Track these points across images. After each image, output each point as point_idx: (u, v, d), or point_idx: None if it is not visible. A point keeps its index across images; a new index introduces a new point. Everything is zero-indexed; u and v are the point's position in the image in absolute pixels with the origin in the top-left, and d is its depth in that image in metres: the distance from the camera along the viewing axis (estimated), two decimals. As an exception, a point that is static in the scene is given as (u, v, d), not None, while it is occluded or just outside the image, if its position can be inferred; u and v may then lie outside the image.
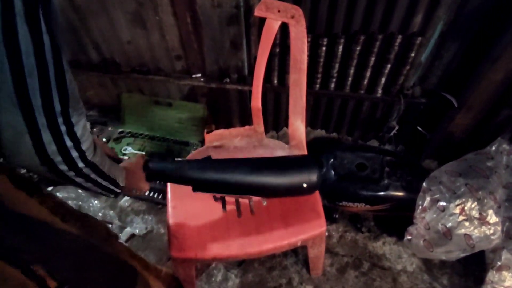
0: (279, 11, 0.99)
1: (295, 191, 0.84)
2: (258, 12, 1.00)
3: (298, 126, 1.07)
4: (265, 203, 1.01)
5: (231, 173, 0.79)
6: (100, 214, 1.48)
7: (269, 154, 1.09)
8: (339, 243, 1.35)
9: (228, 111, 1.64)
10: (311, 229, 0.93)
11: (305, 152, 1.08)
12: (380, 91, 1.34)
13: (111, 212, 1.49)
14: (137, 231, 1.44)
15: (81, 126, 0.48)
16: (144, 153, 1.67)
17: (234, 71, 1.45)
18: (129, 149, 1.69)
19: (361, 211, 1.31)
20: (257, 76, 1.06)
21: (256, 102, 1.09)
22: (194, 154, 1.15)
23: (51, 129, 0.43)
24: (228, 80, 1.47)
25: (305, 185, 0.81)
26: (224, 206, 1.00)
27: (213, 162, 0.86)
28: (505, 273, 1.12)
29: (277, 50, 1.30)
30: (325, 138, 1.62)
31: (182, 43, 1.42)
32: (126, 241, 1.40)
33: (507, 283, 1.12)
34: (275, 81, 1.43)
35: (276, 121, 1.64)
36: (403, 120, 1.42)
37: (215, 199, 1.00)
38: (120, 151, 1.68)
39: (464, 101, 1.20)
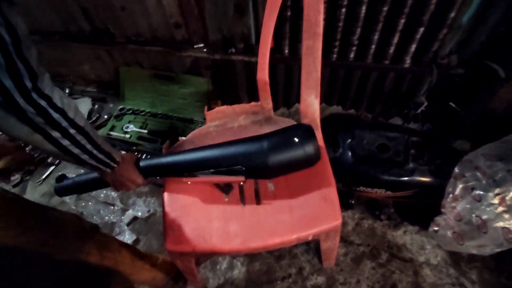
0: (290, -39, 0.82)
1: (294, 165, 0.80)
2: (264, -36, 0.83)
3: (311, 101, 0.92)
4: (272, 187, 0.89)
5: (219, 158, 0.79)
6: (102, 195, 1.42)
7: (278, 134, 0.95)
8: (355, 231, 1.24)
9: (234, 85, 1.49)
10: (324, 222, 0.81)
11: (319, 132, 0.94)
12: (408, 60, 1.16)
13: (113, 193, 1.42)
14: (140, 214, 1.37)
15: (58, 97, 0.51)
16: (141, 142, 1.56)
17: (239, 40, 1.28)
18: (131, 127, 1.59)
19: (381, 197, 1.17)
20: (263, 43, 0.90)
21: (263, 74, 0.93)
22: (195, 134, 1.03)
23: (31, 104, 0.47)
24: (233, 50, 1.31)
25: (302, 157, 0.77)
26: (226, 193, 0.89)
27: (200, 150, 0.83)
28: (547, 271, 0.99)
29: (288, 13, 1.12)
30: (342, 115, 1.46)
31: (181, 9, 1.25)
32: (128, 224, 1.33)
33: (548, 282, 0.99)
34: (286, 51, 1.26)
35: (287, 96, 1.48)
36: (433, 95, 1.23)
37: (217, 186, 0.89)
38: (122, 129, 1.58)
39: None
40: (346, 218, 1.25)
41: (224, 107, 1.00)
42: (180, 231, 0.83)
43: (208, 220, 0.85)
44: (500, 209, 0.96)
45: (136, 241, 1.29)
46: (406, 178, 1.09)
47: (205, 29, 1.30)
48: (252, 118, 1.01)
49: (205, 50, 1.36)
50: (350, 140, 1.17)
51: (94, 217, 1.35)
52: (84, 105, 1.70)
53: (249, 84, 1.47)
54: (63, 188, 0.83)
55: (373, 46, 1.15)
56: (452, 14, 0.99)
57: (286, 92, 1.46)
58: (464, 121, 1.23)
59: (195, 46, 1.36)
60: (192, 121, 1.58)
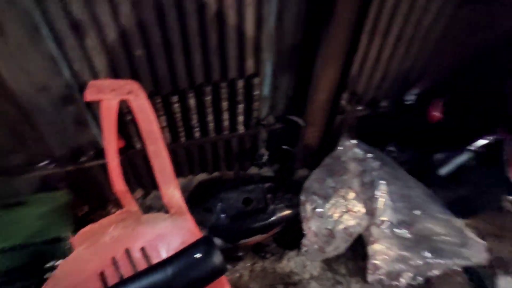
0: (113, 90, 0.95)
1: (202, 282, 0.75)
2: (89, 97, 0.94)
3: (172, 193, 1.05)
4: None
5: None
6: None
7: (152, 231, 1.02)
8: (251, 278, 1.39)
9: (97, 187, 1.47)
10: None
11: (188, 217, 1.07)
12: (241, 128, 1.45)
13: None
14: None
15: None
16: None
17: (89, 148, 1.31)
18: (-24, 277, 1.31)
19: (260, 241, 1.38)
20: (110, 159, 0.99)
21: (119, 185, 1.01)
22: (63, 268, 0.96)
23: None
24: (85, 158, 1.32)
25: (211, 272, 0.75)
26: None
27: None
28: (377, 245, 1.37)
29: (129, 118, 1.24)
30: (209, 181, 1.65)
31: (13, 136, 1.19)
32: None
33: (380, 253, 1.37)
34: (138, 145, 1.37)
35: (153, 179, 1.56)
36: (270, 145, 1.58)
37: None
38: (-37, 284, 1.28)
39: (306, 119, 1.42)
40: (240, 270, 1.40)
41: (89, 226, 1.01)
42: None
43: None
44: (335, 216, 1.31)
45: None
46: (271, 219, 1.33)
47: (47, 147, 1.27)
48: (122, 225, 1.05)
49: (52, 165, 1.31)
50: (220, 204, 1.35)
51: None
52: None
53: (114, 182, 1.48)
54: None
55: (212, 124, 1.40)
56: (256, 92, 1.33)
57: (151, 176, 1.54)
58: (296, 156, 1.61)
59: (39, 165, 1.30)
60: (59, 240, 1.43)
